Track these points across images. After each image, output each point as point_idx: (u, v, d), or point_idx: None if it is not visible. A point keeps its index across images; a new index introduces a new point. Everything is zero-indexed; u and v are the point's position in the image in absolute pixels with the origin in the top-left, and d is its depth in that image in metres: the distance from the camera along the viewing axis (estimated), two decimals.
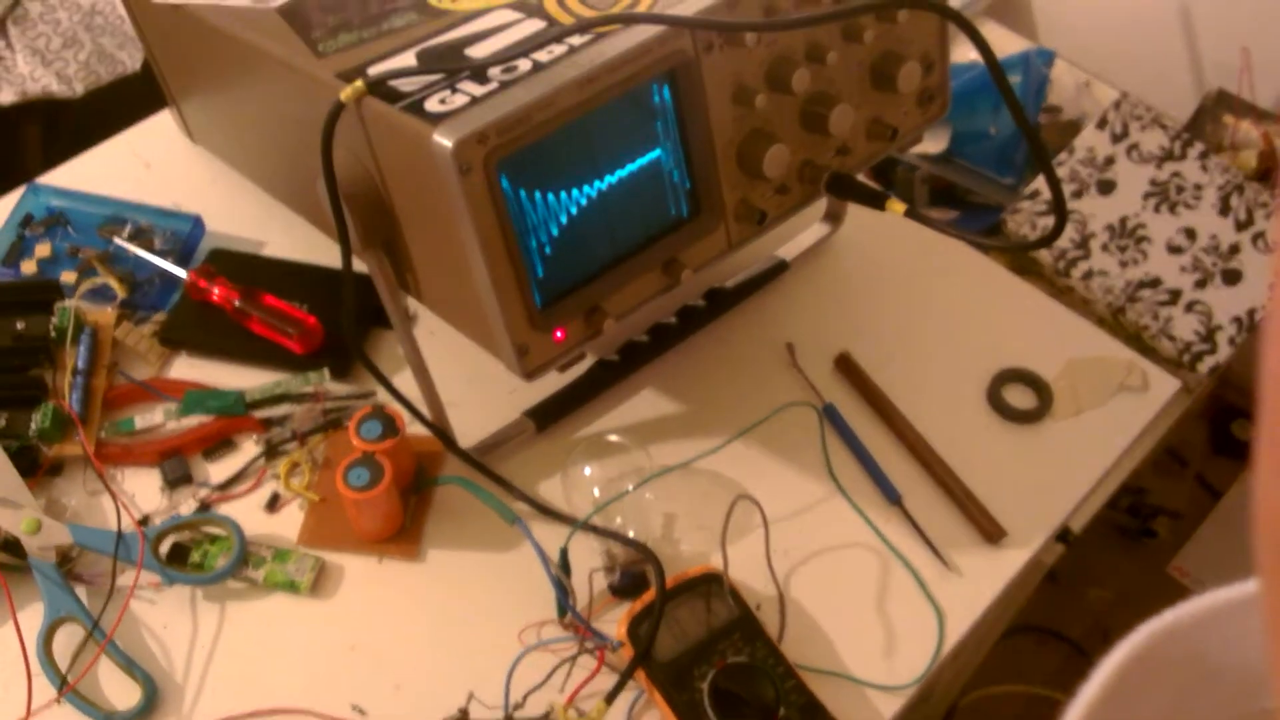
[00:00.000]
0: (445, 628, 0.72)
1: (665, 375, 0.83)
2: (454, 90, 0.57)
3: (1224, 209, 1.09)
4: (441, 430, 0.75)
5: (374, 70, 0.61)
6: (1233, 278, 1.07)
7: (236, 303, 0.81)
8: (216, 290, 0.81)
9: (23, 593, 0.71)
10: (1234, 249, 1.08)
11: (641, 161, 0.63)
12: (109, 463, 0.77)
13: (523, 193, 0.59)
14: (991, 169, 1.29)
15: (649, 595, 0.69)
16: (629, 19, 0.59)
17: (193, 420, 0.78)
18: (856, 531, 0.76)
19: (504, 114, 0.55)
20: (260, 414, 0.79)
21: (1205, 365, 1.05)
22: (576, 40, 0.59)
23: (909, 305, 0.88)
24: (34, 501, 0.73)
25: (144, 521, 0.74)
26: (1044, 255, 1.12)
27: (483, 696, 0.68)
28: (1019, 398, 0.82)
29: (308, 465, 0.77)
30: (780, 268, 0.87)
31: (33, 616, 0.70)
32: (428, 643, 0.71)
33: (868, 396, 0.81)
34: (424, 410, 0.74)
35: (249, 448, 0.79)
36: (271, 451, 0.78)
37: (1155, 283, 1.07)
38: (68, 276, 0.84)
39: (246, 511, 0.76)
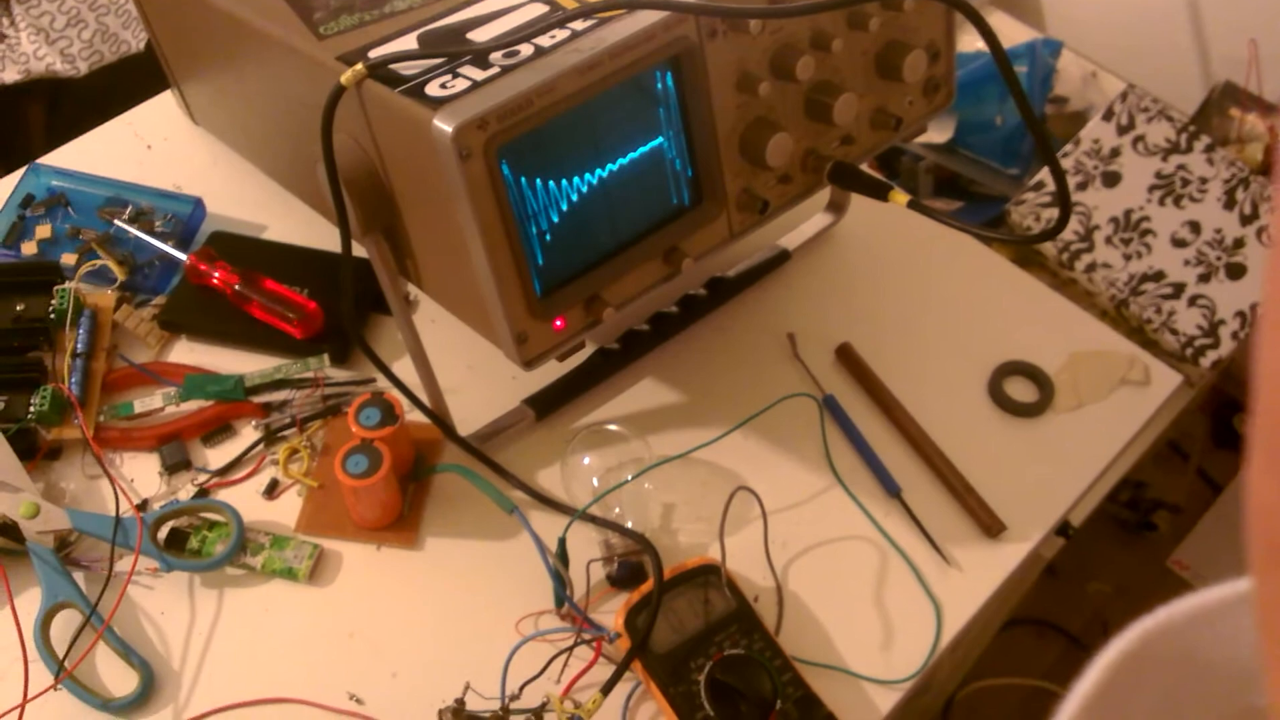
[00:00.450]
0: (443, 616, 0.71)
1: (666, 364, 0.83)
2: (455, 75, 0.57)
3: (1229, 202, 1.09)
4: (440, 418, 0.74)
5: (375, 53, 0.60)
6: (1237, 272, 1.07)
7: (236, 287, 0.80)
8: (216, 274, 0.81)
9: (20, 578, 0.71)
10: (1238, 243, 1.07)
11: (643, 149, 0.62)
12: (107, 447, 0.77)
13: (523, 179, 0.58)
14: (996, 160, 1.28)
15: (647, 586, 0.69)
16: (632, 4, 0.58)
17: (192, 405, 0.78)
18: (855, 524, 0.76)
19: (505, 99, 0.54)
20: (259, 399, 0.79)
21: (1208, 359, 1.05)
22: (579, 25, 0.58)
23: (911, 296, 0.87)
24: (32, 485, 0.72)
25: (142, 506, 0.74)
26: (1047, 247, 1.11)
27: (479, 686, 0.67)
28: (1020, 391, 0.81)
29: (306, 451, 0.77)
30: (782, 257, 0.87)
31: (30, 602, 0.70)
32: (425, 631, 0.71)
33: (868, 388, 0.81)
34: (423, 397, 0.74)
35: (248, 433, 0.78)
36: (270, 437, 0.78)
37: (1159, 276, 1.06)
38: (68, 258, 0.83)
39: (245, 497, 0.75)
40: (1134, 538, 1.65)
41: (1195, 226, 1.08)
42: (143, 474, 0.76)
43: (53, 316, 0.78)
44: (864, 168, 0.71)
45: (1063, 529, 1.07)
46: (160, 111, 0.96)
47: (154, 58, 0.90)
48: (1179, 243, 1.08)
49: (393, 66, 0.59)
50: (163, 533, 0.73)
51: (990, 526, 0.75)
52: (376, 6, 0.66)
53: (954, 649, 0.83)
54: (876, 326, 0.85)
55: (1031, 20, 1.55)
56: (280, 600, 0.72)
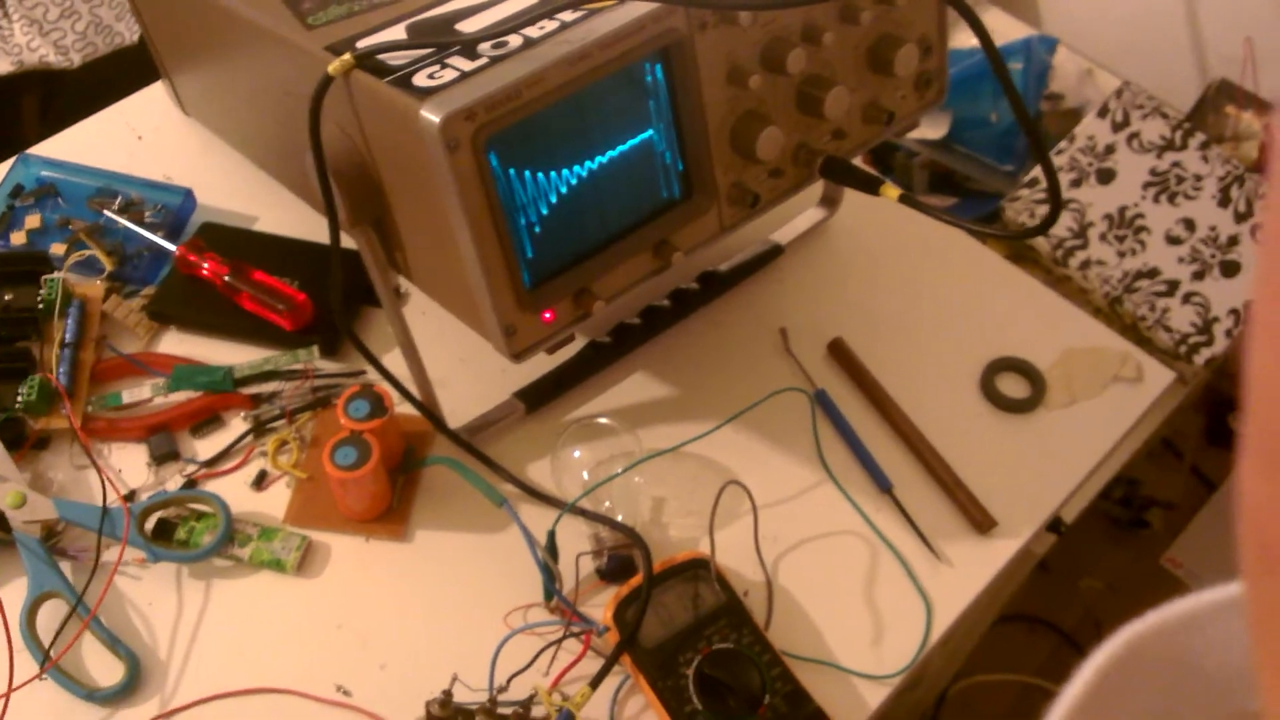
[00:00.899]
0: (432, 609, 0.71)
1: (657, 358, 0.83)
2: (443, 65, 0.56)
3: (1224, 200, 1.09)
4: (430, 410, 0.74)
5: (363, 43, 0.60)
6: (1231, 269, 1.07)
7: (226, 278, 0.80)
8: (206, 265, 0.80)
9: (7, 568, 0.71)
10: (1233, 240, 1.07)
11: (633, 141, 0.62)
12: (96, 437, 0.76)
13: (512, 171, 0.58)
14: (992, 156, 1.28)
15: (636, 580, 0.69)
16: None
17: (181, 396, 0.78)
18: (846, 519, 0.76)
19: (493, 90, 0.54)
20: (249, 390, 0.79)
21: (1201, 357, 1.04)
22: (568, 16, 0.58)
23: (904, 292, 0.87)
24: (19, 475, 0.72)
25: (130, 497, 0.74)
26: (1041, 244, 1.11)
27: (467, 679, 0.67)
28: (1012, 387, 0.81)
29: (296, 443, 0.77)
30: (775, 252, 0.86)
31: (16, 591, 0.69)
32: (414, 623, 0.71)
33: (860, 383, 0.81)
34: (413, 390, 0.73)
35: (237, 424, 0.78)
36: (260, 429, 0.77)
37: (1153, 273, 1.06)
38: (57, 248, 0.83)
39: (233, 489, 0.75)
40: (1127, 535, 1.65)
41: (1190, 224, 1.08)
42: (131, 464, 0.76)
43: (41, 307, 0.78)
44: (856, 162, 0.71)
45: (1054, 525, 1.07)
46: (151, 102, 0.95)
47: (147, 50, 0.89)
48: (1173, 240, 1.08)
49: (381, 57, 0.58)
50: (150, 523, 0.72)
51: (981, 522, 0.74)
52: None
53: (945, 644, 0.83)
54: (869, 322, 0.85)
55: (1028, 17, 1.54)
56: (268, 591, 0.72)
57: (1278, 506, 0.20)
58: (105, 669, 0.68)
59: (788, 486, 0.77)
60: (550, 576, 0.70)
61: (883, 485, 0.76)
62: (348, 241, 0.66)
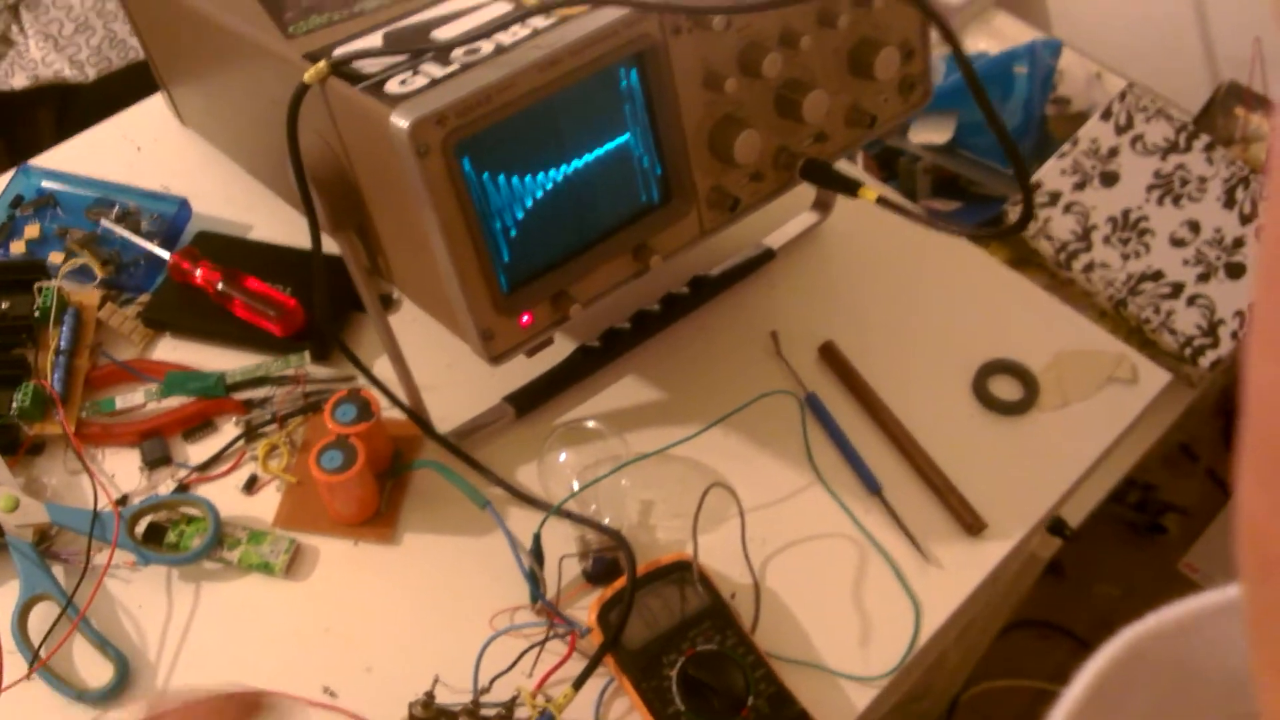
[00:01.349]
0: (418, 611, 0.71)
1: (647, 363, 0.83)
2: (416, 72, 0.57)
3: (1229, 202, 1.08)
4: (417, 414, 0.74)
5: (339, 51, 0.61)
6: (1236, 271, 1.05)
7: (219, 285, 0.81)
8: (199, 272, 0.81)
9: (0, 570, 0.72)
10: (1238, 242, 1.06)
11: (609, 146, 0.62)
12: (89, 442, 0.77)
13: (486, 175, 0.58)
14: (996, 160, 1.27)
15: (621, 582, 0.69)
16: (594, 1, 0.58)
17: (174, 401, 0.79)
18: (835, 521, 0.75)
19: (463, 95, 0.54)
20: (241, 396, 0.79)
21: (1207, 359, 1.03)
22: (541, 22, 0.59)
23: (897, 295, 0.87)
24: (12, 479, 0.73)
25: (122, 501, 0.75)
26: (1045, 247, 1.10)
27: (452, 680, 0.67)
28: (1005, 389, 0.81)
29: (286, 448, 0.77)
30: (766, 256, 0.86)
31: (8, 594, 0.70)
32: (400, 626, 0.71)
33: (851, 386, 0.81)
34: (400, 395, 0.74)
35: (229, 429, 0.79)
36: (251, 433, 0.78)
37: (1157, 275, 1.05)
38: (55, 257, 0.84)
39: (224, 493, 0.76)
40: (1143, 540, 1.63)
41: (1194, 226, 1.07)
42: (124, 469, 0.77)
43: (37, 314, 0.79)
44: (846, 164, 0.70)
45: (1059, 529, 1.06)
46: (151, 114, 0.96)
47: None
48: (1178, 242, 1.07)
49: (356, 64, 0.59)
50: (141, 527, 0.73)
51: (971, 524, 0.74)
52: (346, 6, 0.66)
53: (956, 644, 0.82)
54: (861, 325, 0.84)
55: (1036, 21, 1.53)
56: (257, 594, 0.72)
57: (1276, 513, 0.21)
58: (95, 670, 0.69)
59: (777, 489, 0.77)
60: (534, 579, 0.70)
61: (872, 487, 0.76)
62: (336, 247, 0.67)
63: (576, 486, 0.74)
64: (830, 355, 0.82)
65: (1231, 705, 0.31)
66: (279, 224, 0.89)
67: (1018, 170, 0.57)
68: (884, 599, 0.72)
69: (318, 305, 0.67)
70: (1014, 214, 1.10)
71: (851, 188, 0.66)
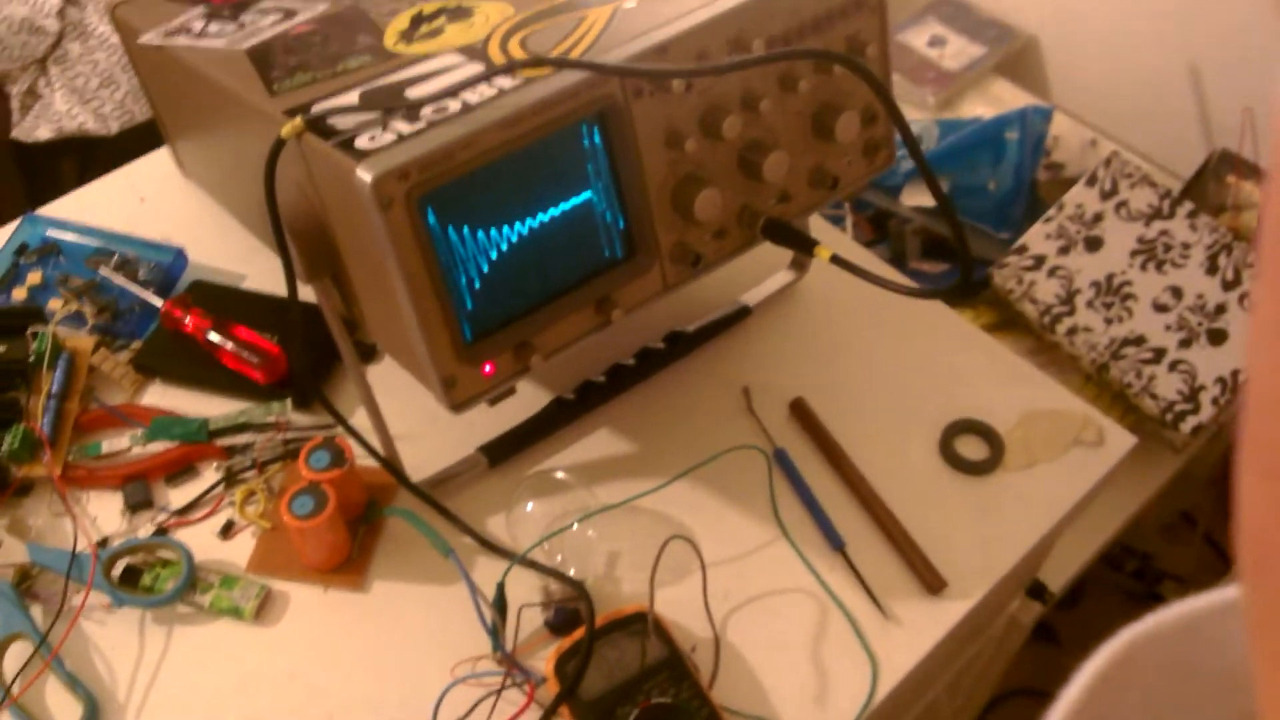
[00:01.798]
0: (383, 659, 0.72)
1: (622, 415, 0.84)
2: (385, 128, 0.59)
3: (1211, 268, 1.08)
4: (390, 462, 0.76)
5: (316, 108, 0.63)
6: (1218, 338, 1.06)
7: (208, 332, 0.83)
8: (189, 319, 0.84)
9: None
10: (1220, 309, 1.07)
11: (573, 201, 0.64)
12: (75, 485, 0.79)
13: (450, 228, 0.60)
14: (989, 224, 1.29)
15: (580, 632, 0.70)
16: (558, 63, 0.61)
17: (158, 446, 0.81)
18: (797, 577, 0.76)
19: (425, 152, 0.57)
20: (223, 442, 0.81)
21: (1188, 424, 1.04)
22: (507, 83, 0.61)
23: (869, 354, 0.88)
24: None
25: (103, 543, 0.76)
26: (1030, 310, 1.11)
27: None
28: (971, 449, 0.81)
29: (263, 493, 0.79)
30: (742, 313, 0.88)
31: None
32: (364, 673, 0.72)
33: (820, 442, 0.82)
34: (375, 444, 0.75)
35: (210, 475, 0.81)
36: (231, 479, 0.80)
37: (1140, 340, 1.06)
38: (54, 304, 0.87)
39: (201, 537, 0.77)
40: (1141, 608, 1.61)
41: (1177, 292, 1.08)
42: (106, 512, 0.79)
43: (32, 359, 0.81)
44: (826, 224, 0.72)
45: (1038, 593, 1.06)
46: (156, 165, 1.00)
47: None
48: (1160, 308, 1.08)
49: (331, 120, 0.62)
50: (118, 569, 0.75)
51: (931, 583, 0.74)
52: (329, 65, 0.69)
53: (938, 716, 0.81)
54: (832, 382, 0.86)
55: (1034, 87, 1.56)
56: (226, 639, 0.73)
57: (1274, 511, 0.21)
58: (65, 709, 0.70)
59: (742, 543, 0.77)
60: (494, 628, 0.71)
61: (835, 544, 0.77)
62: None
63: (541, 537, 0.75)
64: (800, 411, 0.83)
65: (1230, 705, 0.31)
66: (270, 274, 0.91)
67: (953, 232, 0.59)
68: (842, 656, 0.72)
69: (293, 352, 0.69)
70: (998, 276, 1.11)
71: (808, 246, 0.67)
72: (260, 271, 0.92)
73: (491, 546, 0.75)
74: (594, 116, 0.62)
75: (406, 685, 0.70)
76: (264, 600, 0.74)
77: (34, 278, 0.90)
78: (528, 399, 0.84)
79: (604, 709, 0.67)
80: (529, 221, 0.63)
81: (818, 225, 0.93)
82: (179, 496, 0.80)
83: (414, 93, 0.64)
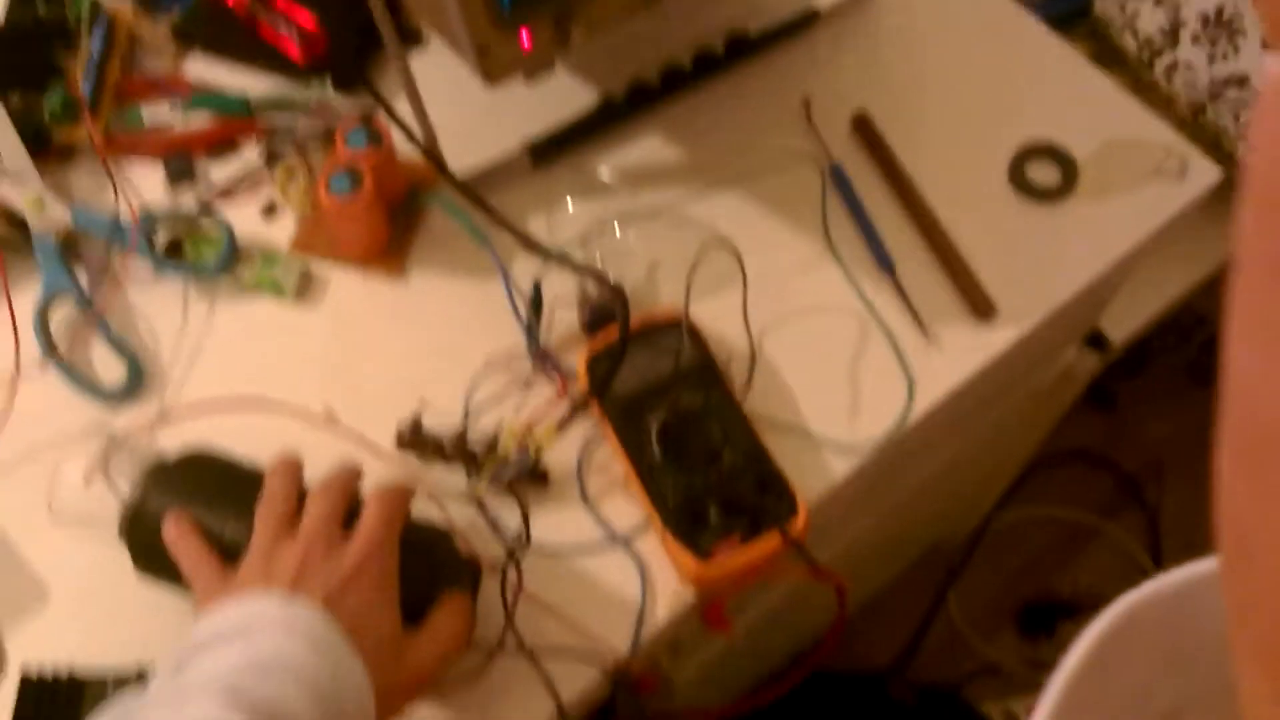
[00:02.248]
0: (418, 344, 0.73)
1: (673, 121, 0.80)
2: None
3: None
4: (430, 150, 0.74)
5: None
6: None
7: (248, 1, 0.80)
8: None
9: (23, 269, 0.74)
10: None
11: None
12: (116, 153, 0.78)
13: None
14: None
15: (614, 333, 0.69)
16: None
17: (199, 120, 0.79)
18: (842, 296, 0.74)
19: None
20: (264, 120, 0.79)
21: None
22: None
23: (944, 70, 0.82)
24: (39, 181, 0.75)
25: (145, 213, 0.76)
26: (1129, 43, 1.03)
27: (443, 411, 0.69)
28: (1042, 174, 0.77)
29: (305, 176, 0.78)
30: (810, 18, 0.82)
31: (31, 291, 0.73)
32: (401, 357, 0.72)
33: (880, 161, 0.77)
34: (417, 132, 0.73)
35: (251, 152, 0.79)
36: (272, 159, 0.78)
37: (1242, 81, 0.97)
38: None
39: (243, 216, 0.77)
40: (1203, 383, 1.58)
41: None
42: (148, 183, 0.78)
43: (71, 22, 0.79)
44: None
45: (1098, 342, 1.03)
46: None
47: None
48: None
49: None
50: (160, 239, 0.75)
51: (981, 308, 0.72)
52: None
53: (977, 464, 0.80)
54: (901, 98, 0.80)
55: None
56: (267, 314, 0.74)
57: (1254, 498, 0.21)
58: (110, 371, 0.72)
59: (787, 259, 0.75)
60: (528, 323, 0.70)
61: (885, 265, 0.74)
62: None
63: (583, 235, 0.73)
64: (863, 127, 0.78)
65: (1227, 670, 0.31)
66: None
67: None
68: (880, 375, 0.71)
69: (332, 29, 0.65)
70: (1099, 3, 1.02)
71: None
72: None
73: (529, 243, 0.74)
74: None
75: (440, 371, 0.71)
76: (304, 280, 0.75)
77: None
78: (576, 99, 0.80)
79: (633, 408, 0.67)
80: None
81: None
82: (220, 173, 0.79)
83: None
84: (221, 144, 0.79)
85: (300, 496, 0.58)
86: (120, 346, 0.71)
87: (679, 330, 0.69)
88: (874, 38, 0.83)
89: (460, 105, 0.78)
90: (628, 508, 0.66)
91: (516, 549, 0.61)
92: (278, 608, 0.50)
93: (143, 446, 0.65)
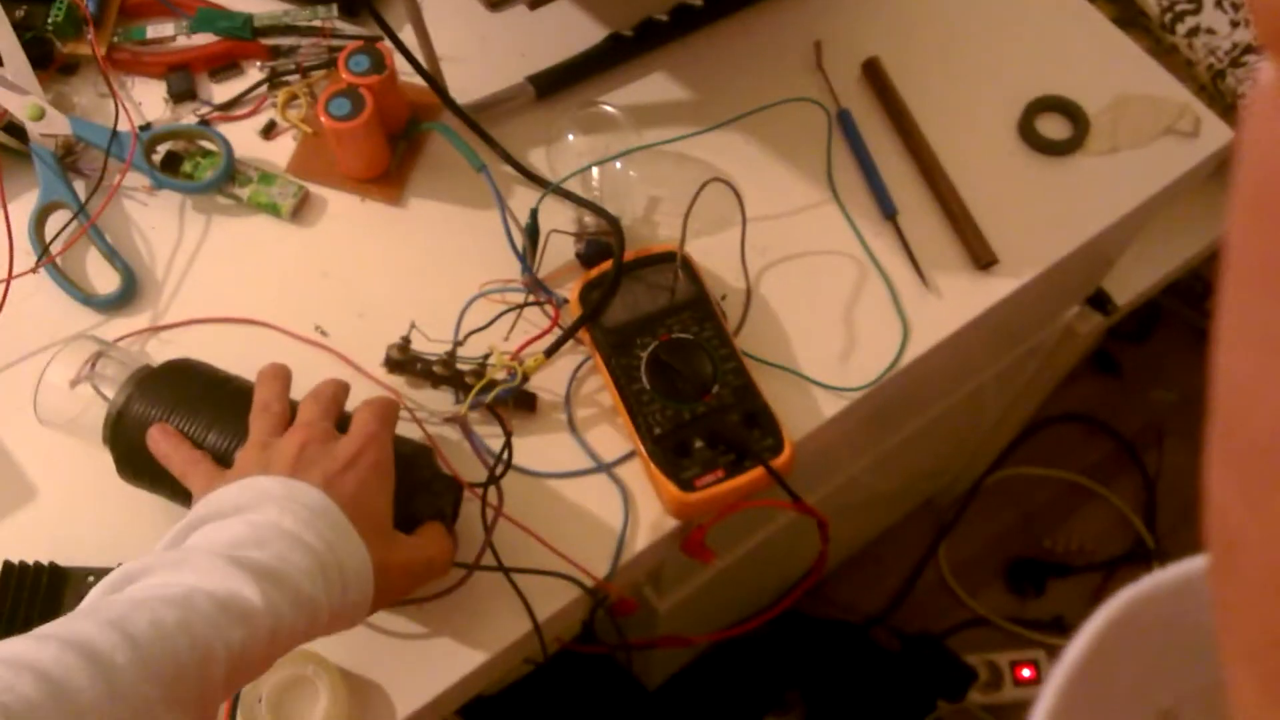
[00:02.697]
0: (414, 270, 0.72)
1: (680, 60, 0.79)
2: None
3: None
4: (432, 77, 0.73)
5: None
6: None
7: None
8: None
9: (22, 178, 0.74)
10: None
11: None
12: (118, 68, 0.78)
13: None
14: None
15: (608, 264, 0.69)
16: None
17: (202, 38, 0.78)
18: (841, 241, 0.73)
19: None
20: (268, 41, 0.79)
21: None
22: None
23: (961, 17, 0.80)
24: (40, 90, 0.75)
25: (145, 128, 0.76)
26: (1151, 5, 1.01)
27: (434, 333, 0.69)
28: (1053, 128, 0.76)
29: (306, 98, 0.77)
30: None
31: (28, 199, 0.73)
32: (395, 281, 0.72)
33: (889, 107, 0.76)
34: (421, 58, 0.72)
35: (253, 74, 0.79)
36: (274, 80, 0.78)
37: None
38: None
39: (242, 134, 0.76)
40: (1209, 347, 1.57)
41: None
42: (150, 99, 0.78)
43: None
44: None
45: (1101, 304, 1.02)
46: None
47: None
48: None
49: None
50: (159, 154, 0.75)
51: (981, 258, 0.71)
52: None
53: (978, 423, 0.80)
54: (913, 44, 0.79)
55: None
56: (262, 233, 0.74)
57: (1241, 505, 0.21)
58: (104, 280, 0.72)
59: (788, 201, 0.74)
60: (523, 251, 0.70)
61: (887, 211, 0.73)
62: None
63: (580, 168, 0.72)
64: (873, 72, 0.77)
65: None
66: None
67: None
68: (875, 320, 0.70)
69: None
70: None
71: None
72: None
73: (528, 174, 0.73)
74: None
75: (434, 294, 0.71)
76: (301, 201, 0.74)
77: None
78: (584, 35, 0.79)
79: (624, 337, 0.67)
80: None
81: None
82: (222, 92, 0.78)
83: None
84: (224, 64, 0.78)
85: (290, 407, 0.58)
86: (114, 257, 0.71)
87: (674, 264, 0.69)
88: None
89: (466, 35, 0.78)
90: (615, 438, 0.66)
91: (497, 469, 0.61)
92: (278, 485, 0.51)
93: (131, 355, 0.65)
